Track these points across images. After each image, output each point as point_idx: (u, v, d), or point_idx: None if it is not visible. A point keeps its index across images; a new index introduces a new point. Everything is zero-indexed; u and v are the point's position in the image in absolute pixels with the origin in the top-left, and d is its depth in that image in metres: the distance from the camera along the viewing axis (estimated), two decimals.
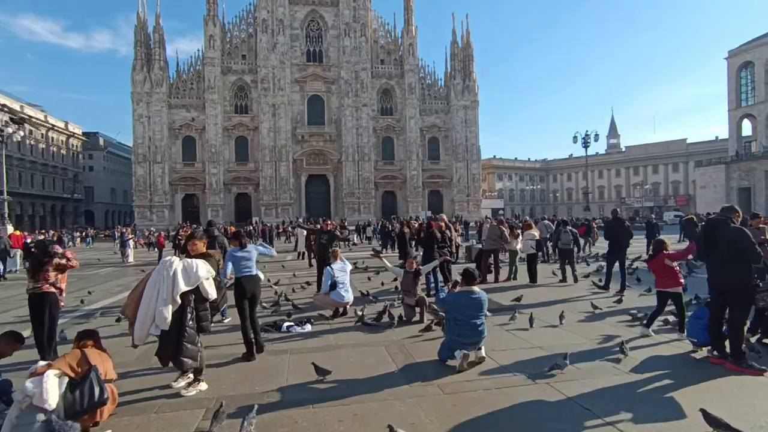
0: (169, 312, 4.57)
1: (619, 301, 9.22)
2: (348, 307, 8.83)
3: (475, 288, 5.83)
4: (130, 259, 23.45)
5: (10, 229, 23.54)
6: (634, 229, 12.21)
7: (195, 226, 34.89)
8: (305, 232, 22.10)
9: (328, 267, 8.87)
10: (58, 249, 6.33)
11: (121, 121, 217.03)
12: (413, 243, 15.31)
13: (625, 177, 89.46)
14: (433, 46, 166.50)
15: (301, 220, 33.02)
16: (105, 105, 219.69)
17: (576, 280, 12.19)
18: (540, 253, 14.76)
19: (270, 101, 59.68)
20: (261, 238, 33.38)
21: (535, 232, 13.43)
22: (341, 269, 8.84)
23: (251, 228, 37.82)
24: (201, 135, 59.46)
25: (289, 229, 40.27)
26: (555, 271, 13.35)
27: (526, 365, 5.58)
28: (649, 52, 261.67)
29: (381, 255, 10.37)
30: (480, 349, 5.68)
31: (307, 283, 12.68)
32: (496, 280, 12.64)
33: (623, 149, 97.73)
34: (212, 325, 5.49)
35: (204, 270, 4.86)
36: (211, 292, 4.93)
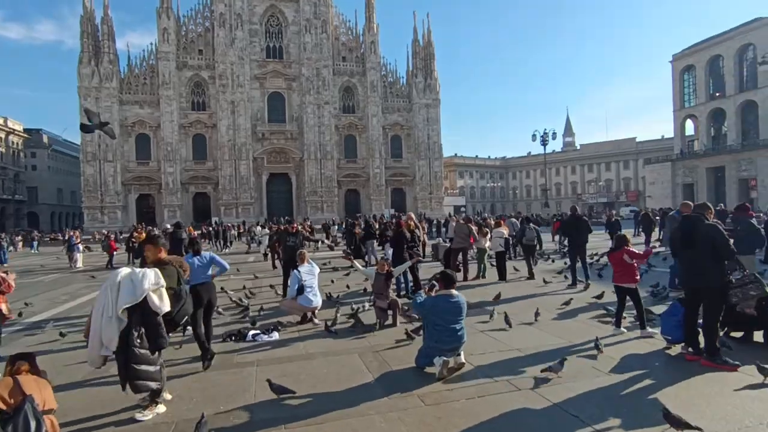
0: (113, 331, 4.00)
1: (600, 297, 9.04)
2: (316, 311, 8.44)
3: (454, 291, 5.59)
4: (79, 264, 21.93)
5: None
6: (592, 224, 12.41)
7: (150, 228, 33.22)
8: (268, 230, 21.54)
9: (294, 270, 8.43)
10: None
11: (67, 118, 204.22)
12: (374, 242, 15.20)
13: (580, 174, 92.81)
14: (395, 44, 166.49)
15: (262, 227, 31.67)
16: (50, 100, 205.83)
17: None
18: (507, 251, 14.84)
19: (229, 98, 57.72)
20: (217, 239, 32.06)
21: (504, 230, 13.45)
22: (309, 272, 8.41)
23: (210, 229, 36.29)
24: (156, 132, 56.74)
25: (252, 229, 39.02)
26: (516, 267, 13.47)
27: (507, 369, 5.40)
28: (601, 54, 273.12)
29: (351, 256, 10.04)
30: (459, 354, 5.46)
31: (270, 286, 12.12)
32: (465, 279, 12.55)
33: (578, 147, 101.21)
34: (170, 336, 4.96)
35: (151, 280, 4.16)
36: (161, 305, 4.19)
